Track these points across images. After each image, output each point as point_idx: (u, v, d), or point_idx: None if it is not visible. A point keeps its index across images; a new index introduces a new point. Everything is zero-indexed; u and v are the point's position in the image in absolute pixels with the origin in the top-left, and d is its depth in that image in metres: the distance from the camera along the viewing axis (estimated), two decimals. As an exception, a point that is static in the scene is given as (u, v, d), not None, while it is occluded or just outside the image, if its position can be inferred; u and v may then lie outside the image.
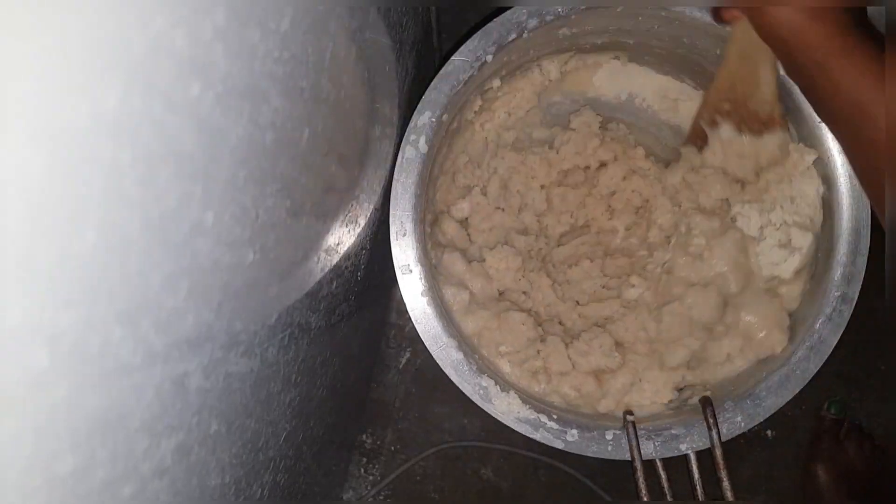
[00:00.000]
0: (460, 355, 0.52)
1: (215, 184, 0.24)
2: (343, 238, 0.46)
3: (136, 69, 0.18)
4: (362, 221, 0.50)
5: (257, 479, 0.39)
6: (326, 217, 0.41)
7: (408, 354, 0.87)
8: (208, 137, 0.22)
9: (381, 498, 0.86)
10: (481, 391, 0.52)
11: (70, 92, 0.16)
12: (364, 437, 0.86)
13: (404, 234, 0.52)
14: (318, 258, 0.41)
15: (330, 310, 0.47)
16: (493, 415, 0.52)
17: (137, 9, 0.17)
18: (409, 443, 0.86)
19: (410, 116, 0.53)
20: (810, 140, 0.55)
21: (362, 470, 0.86)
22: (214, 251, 0.25)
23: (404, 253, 0.52)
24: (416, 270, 0.52)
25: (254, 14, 0.24)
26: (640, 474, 0.51)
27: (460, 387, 0.52)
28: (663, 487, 0.53)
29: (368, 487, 0.85)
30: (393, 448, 0.86)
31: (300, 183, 0.33)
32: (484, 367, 0.53)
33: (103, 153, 0.17)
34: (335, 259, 0.45)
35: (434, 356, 0.52)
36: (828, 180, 0.54)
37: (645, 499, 0.51)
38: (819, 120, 0.53)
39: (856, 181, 0.52)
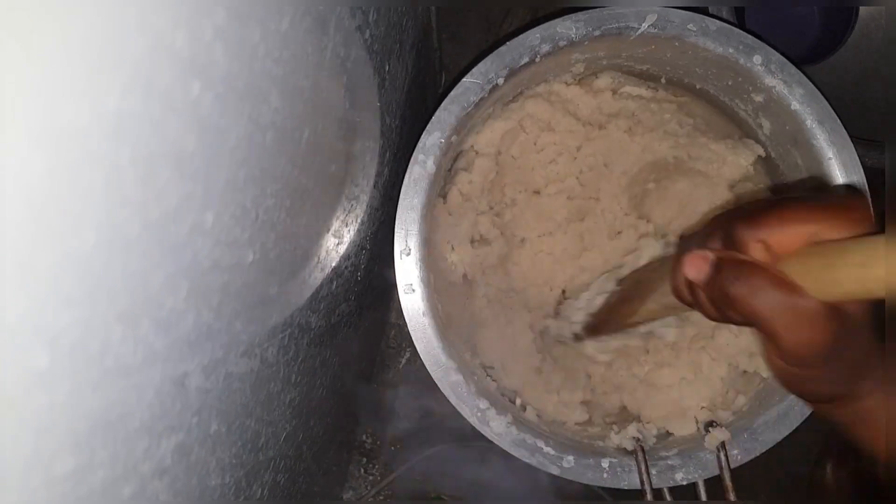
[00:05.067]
0: (459, 377, 0.52)
1: (215, 184, 0.24)
2: (343, 238, 0.46)
3: (136, 69, 0.18)
4: (362, 221, 0.50)
5: (257, 479, 0.39)
6: (326, 217, 0.41)
7: (408, 354, 0.87)
8: (208, 137, 0.22)
9: (381, 498, 0.86)
10: (479, 413, 0.52)
11: (70, 92, 0.16)
12: (364, 437, 0.86)
13: (408, 254, 0.52)
14: (318, 258, 0.41)
15: (330, 310, 0.47)
16: (490, 437, 0.53)
17: (137, 9, 0.17)
18: (409, 443, 0.86)
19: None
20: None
21: (362, 470, 0.86)
22: (214, 251, 0.25)
23: (408, 272, 0.52)
24: (419, 290, 0.52)
25: (254, 14, 0.24)
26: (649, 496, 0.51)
27: (458, 408, 0.52)
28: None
29: (368, 487, 0.85)
30: (393, 448, 0.86)
31: (300, 183, 0.33)
32: (483, 390, 0.53)
33: (103, 153, 0.17)
34: (335, 259, 0.45)
35: (433, 377, 0.52)
36: None
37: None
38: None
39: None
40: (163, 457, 0.25)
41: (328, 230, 0.42)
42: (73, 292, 0.17)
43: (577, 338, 0.55)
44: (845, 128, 0.54)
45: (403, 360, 0.86)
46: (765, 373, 0.56)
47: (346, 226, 0.46)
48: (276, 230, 0.31)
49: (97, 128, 0.17)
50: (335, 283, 0.46)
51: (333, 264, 0.45)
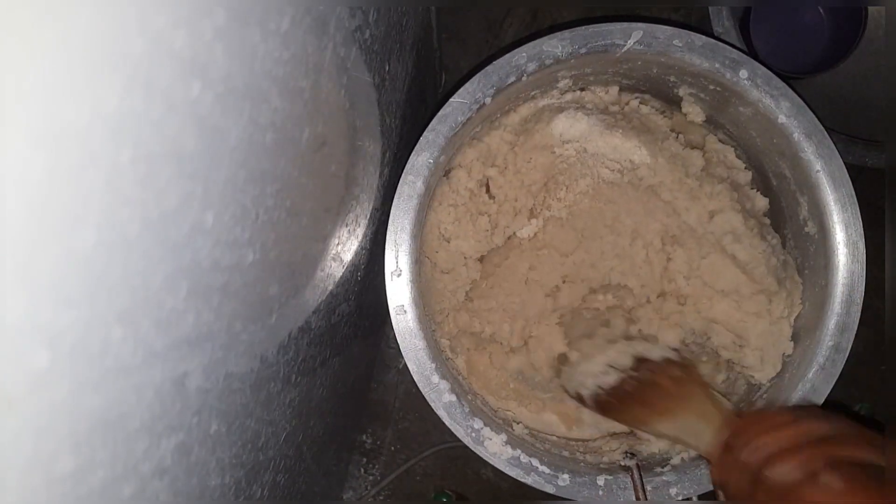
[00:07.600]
0: (453, 397, 0.52)
1: (215, 184, 0.24)
2: (343, 238, 0.46)
3: (136, 69, 0.18)
4: (362, 221, 0.50)
5: (257, 479, 0.39)
6: (326, 217, 0.41)
7: (408, 354, 0.87)
8: (208, 137, 0.22)
9: (381, 498, 0.86)
10: (473, 434, 0.52)
11: (70, 92, 0.16)
12: (364, 437, 0.86)
13: (399, 275, 0.52)
14: (318, 258, 0.41)
15: (330, 310, 0.47)
16: (485, 457, 0.52)
17: (137, 9, 0.17)
18: (409, 443, 0.86)
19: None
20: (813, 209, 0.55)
21: (362, 470, 0.86)
22: (214, 251, 0.25)
23: (399, 294, 0.52)
24: (411, 311, 0.52)
25: (254, 14, 0.24)
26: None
27: (452, 429, 0.52)
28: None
29: (368, 487, 0.85)
30: (393, 448, 0.86)
31: (300, 183, 0.33)
32: (477, 410, 0.53)
33: (103, 153, 0.17)
34: (335, 259, 0.45)
35: (426, 398, 0.52)
36: (824, 228, 0.53)
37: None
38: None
39: (851, 230, 0.52)
40: (163, 457, 0.25)
41: (328, 230, 0.42)
42: (73, 292, 0.17)
43: (580, 399, 0.55)
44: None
45: (403, 361, 0.86)
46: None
47: (346, 226, 0.46)
48: (276, 230, 0.31)
49: (97, 128, 0.17)
50: (335, 283, 0.46)
51: (333, 264, 0.45)
